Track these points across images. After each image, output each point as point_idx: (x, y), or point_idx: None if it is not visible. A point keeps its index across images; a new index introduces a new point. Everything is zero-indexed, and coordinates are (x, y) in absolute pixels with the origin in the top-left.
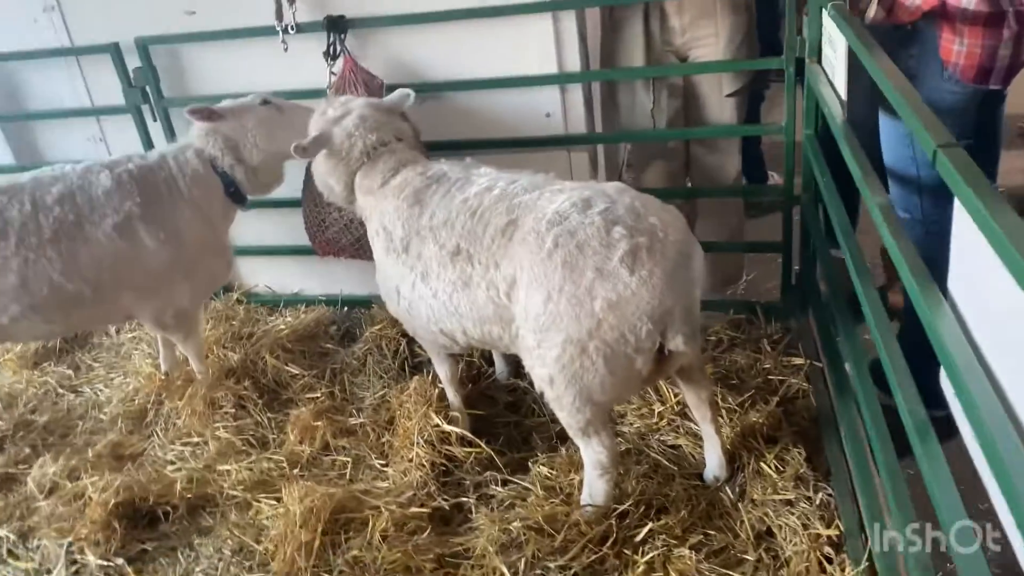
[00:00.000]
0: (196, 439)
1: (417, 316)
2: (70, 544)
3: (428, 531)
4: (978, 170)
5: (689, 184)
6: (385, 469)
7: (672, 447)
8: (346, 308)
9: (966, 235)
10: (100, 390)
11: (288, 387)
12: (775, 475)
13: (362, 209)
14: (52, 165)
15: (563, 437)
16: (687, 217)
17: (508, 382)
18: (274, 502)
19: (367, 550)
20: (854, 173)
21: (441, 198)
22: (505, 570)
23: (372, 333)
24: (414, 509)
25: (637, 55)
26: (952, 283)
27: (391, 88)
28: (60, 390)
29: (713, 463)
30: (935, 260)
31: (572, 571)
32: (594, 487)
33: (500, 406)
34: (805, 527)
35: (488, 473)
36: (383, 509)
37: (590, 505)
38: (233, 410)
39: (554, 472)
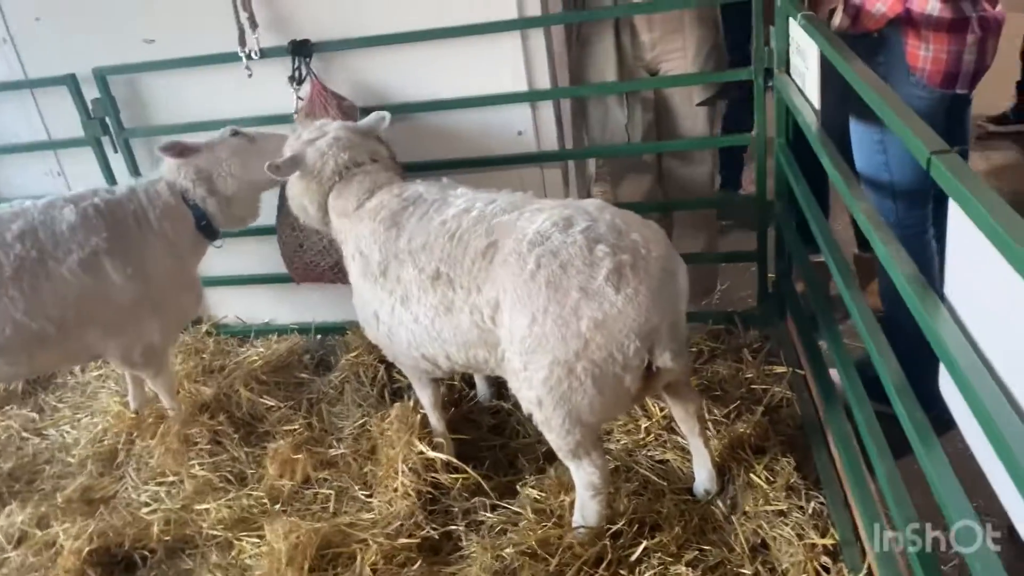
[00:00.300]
0: (171, 478)
1: (398, 342)
2: None
3: (419, 563)
4: (974, 173)
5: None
6: (370, 500)
7: (660, 462)
8: (319, 336)
9: (964, 239)
10: (67, 432)
11: (264, 420)
12: (766, 486)
13: (337, 232)
14: (11, 201)
15: (550, 458)
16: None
17: (491, 404)
18: (257, 540)
19: None
20: (835, 180)
21: (418, 220)
22: None
23: (348, 360)
24: (403, 540)
25: (609, 70)
26: (948, 287)
27: (364, 110)
28: (24, 434)
29: (703, 477)
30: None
31: None
32: (586, 508)
33: (484, 429)
34: (800, 537)
35: (476, 499)
36: (371, 542)
37: (583, 527)
38: (208, 446)
39: (544, 494)
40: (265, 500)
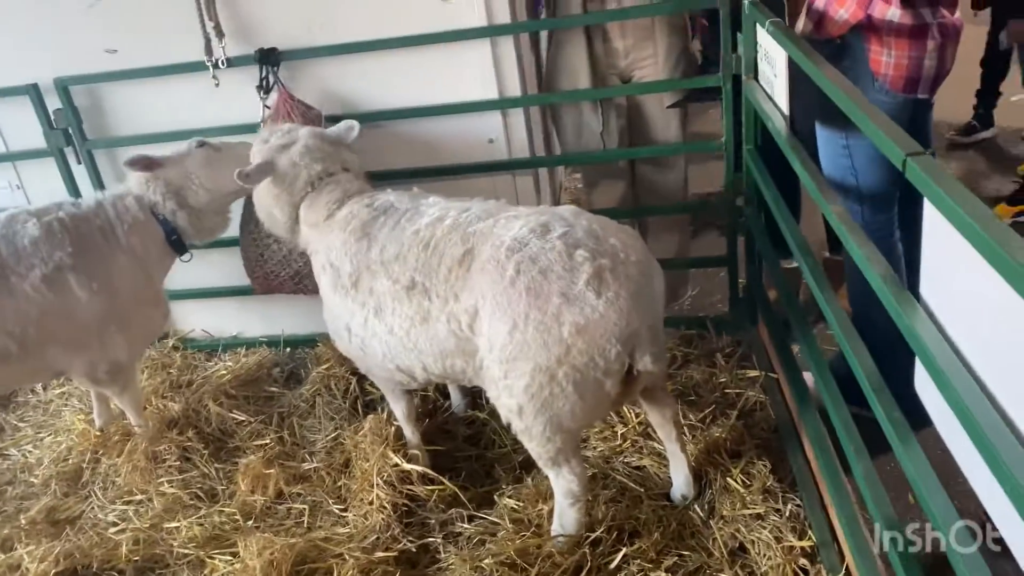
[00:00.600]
0: (139, 496)
1: (372, 354)
2: None
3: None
4: (949, 173)
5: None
6: (344, 514)
7: (637, 468)
8: (289, 349)
9: (939, 239)
10: (29, 451)
11: (234, 435)
12: (743, 489)
13: (307, 242)
14: None
15: (527, 467)
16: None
17: (466, 415)
18: (230, 557)
19: None
20: (807, 184)
21: (391, 230)
22: None
23: (319, 373)
24: (380, 554)
25: (582, 77)
26: (924, 286)
27: (330, 119)
28: None
29: (680, 482)
30: None
31: None
32: (565, 516)
33: (459, 440)
34: (778, 540)
35: (453, 510)
36: (347, 556)
37: (562, 535)
38: (177, 463)
39: (521, 504)
40: (237, 516)
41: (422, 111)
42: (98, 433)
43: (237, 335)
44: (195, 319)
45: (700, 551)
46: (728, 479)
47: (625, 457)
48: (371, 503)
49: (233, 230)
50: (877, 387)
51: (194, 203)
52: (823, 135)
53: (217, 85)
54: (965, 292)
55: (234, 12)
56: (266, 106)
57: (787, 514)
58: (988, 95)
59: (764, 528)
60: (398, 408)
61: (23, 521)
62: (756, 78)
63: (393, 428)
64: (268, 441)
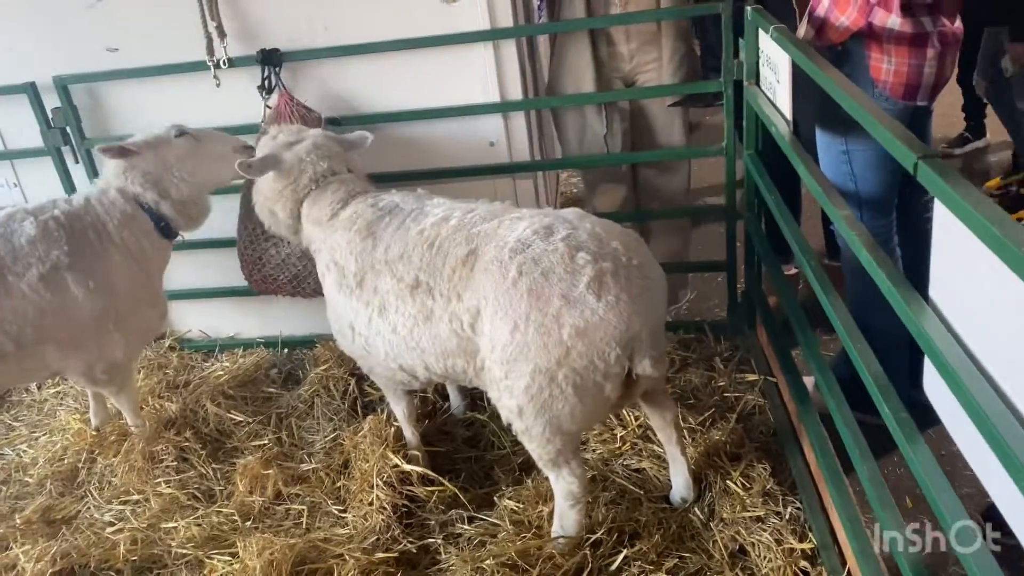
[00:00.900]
0: (136, 496)
1: (375, 353)
2: None
3: None
4: (960, 175)
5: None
6: (344, 515)
7: (636, 471)
8: (287, 350)
9: (950, 241)
10: (24, 451)
11: (232, 435)
12: (742, 492)
13: (309, 240)
14: None
15: (527, 469)
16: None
17: (465, 416)
18: (229, 558)
19: None
20: (813, 189)
21: (395, 230)
22: None
23: (317, 374)
24: (380, 555)
25: (587, 81)
26: (933, 288)
27: (331, 121)
28: None
29: (680, 485)
30: None
31: None
32: (565, 518)
33: (458, 441)
34: (779, 542)
35: (453, 511)
36: (347, 557)
37: (562, 536)
38: (175, 463)
39: (521, 505)
40: (236, 517)
41: (424, 113)
42: (94, 433)
43: (234, 336)
44: (192, 319)
45: (701, 553)
46: (728, 482)
47: (624, 459)
48: (371, 504)
49: (228, 231)
50: (884, 388)
51: (176, 196)
52: (823, 140)
53: (218, 85)
54: (978, 292)
55: (236, 12)
56: (267, 107)
57: (787, 516)
58: (973, 107)
59: (764, 530)
60: (398, 409)
61: (18, 521)
62: (758, 83)
63: (393, 429)
64: (266, 442)
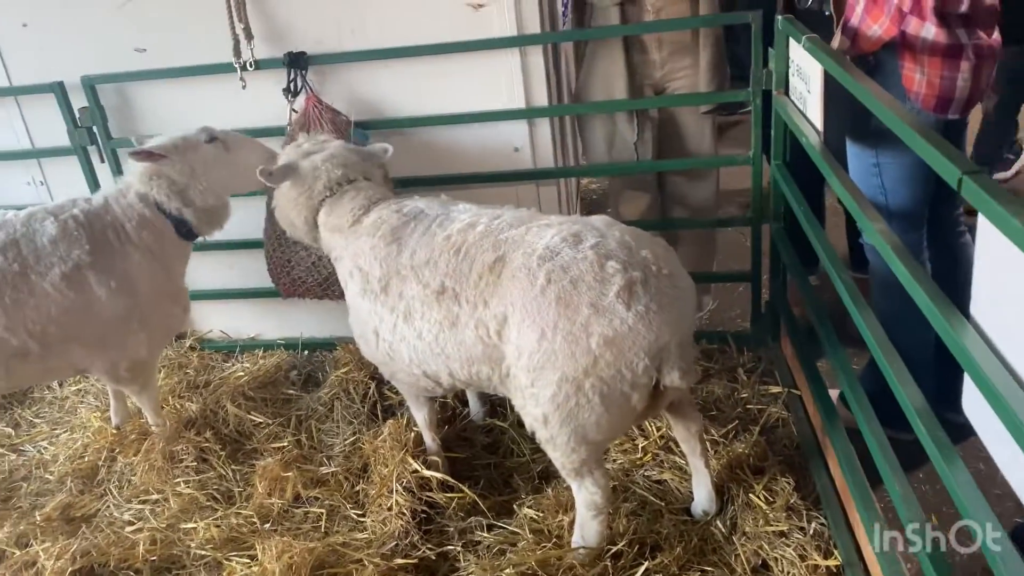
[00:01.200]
0: (155, 496)
1: (398, 359)
2: None
3: None
4: (1005, 191)
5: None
6: (363, 519)
7: (657, 482)
8: (307, 352)
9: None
10: (44, 448)
11: (252, 437)
12: (765, 506)
13: (329, 248)
14: None
15: (546, 477)
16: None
17: (484, 422)
18: (247, 560)
19: None
20: (846, 201)
21: (421, 236)
22: None
23: (337, 377)
24: (399, 560)
25: (619, 88)
26: (975, 305)
27: (358, 124)
28: (0, 450)
29: (702, 497)
30: None
31: None
32: (587, 528)
33: (478, 447)
34: (802, 558)
35: (472, 519)
36: (366, 562)
37: (583, 547)
38: (194, 463)
39: (541, 514)
40: (254, 519)
41: (450, 119)
42: (114, 431)
43: (255, 337)
44: (213, 320)
45: (723, 567)
46: (751, 495)
47: (646, 470)
48: (390, 509)
49: (251, 233)
50: (920, 407)
51: (200, 204)
52: (853, 151)
53: (244, 87)
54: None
55: (264, 14)
56: (293, 110)
57: (811, 532)
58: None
59: (788, 546)
60: (419, 415)
61: (39, 517)
62: (787, 93)
63: (412, 434)
64: (285, 444)
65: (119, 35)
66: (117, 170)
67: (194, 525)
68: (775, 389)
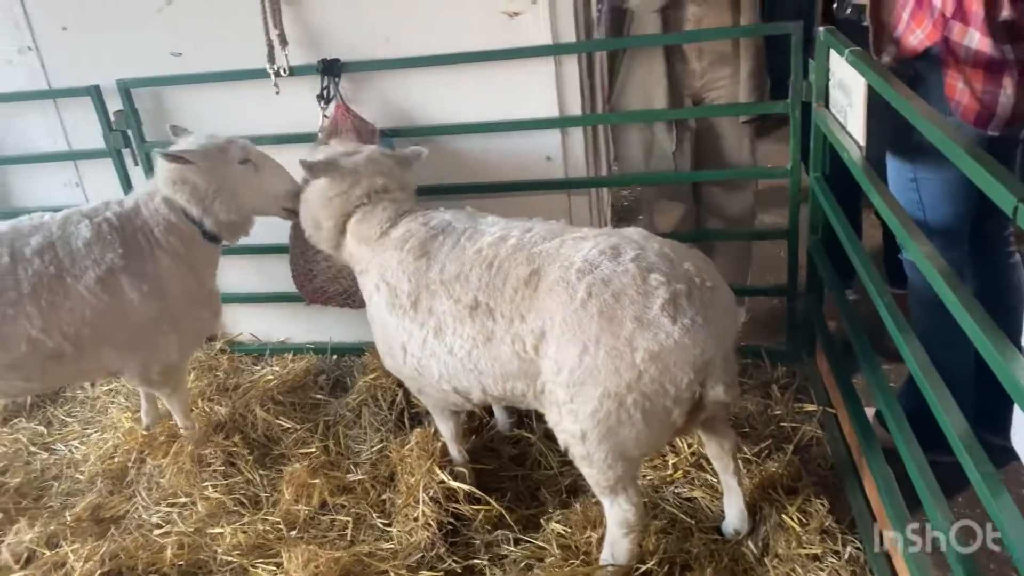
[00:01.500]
0: (183, 499)
1: (428, 374)
2: None
3: None
4: None
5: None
6: (389, 529)
7: (688, 500)
8: (335, 356)
9: None
10: (75, 447)
11: (280, 442)
12: (799, 528)
13: (354, 258)
14: (30, 213)
15: (574, 491)
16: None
17: (511, 433)
18: (273, 568)
19: None
20: (888, 220)
21: (450, 249)
22: None
23: (366, 382)
24: (425, 573)
25: (658, 97)
26: None
27: (388, 132)
28: (32, 448)
29: (733, 516)
30: None
31: None
32: (617, 546)
33: (505, 459)
34: None
35: (499, 532)
36: (392, 574)
37: (612, 565)
38: (222, 467)
39: (569, 530)
40: (281, 526)
41: (482, 127)
42: (144, 432)
43: (284, 340)
44: (243, 323)
45: None
46: (784, 516)
47: (676, 487)
48: (416, 519)
49: (281, 237)
50: (965, 437)
51: (222, 217)
52: (892, 165)
53: (278, 93)
54: None
55: (299, 21)
56: (325, 116)
57: (846, 557)
58: None
59: (822, 570)
60: (445, 428)
61: (68, 518)
62: (827, 105)
63: (440, 443)
64: (313, 449)
65: (156, 39)
66: (150, 173)
67: (221, 530)
68: (810, 407)
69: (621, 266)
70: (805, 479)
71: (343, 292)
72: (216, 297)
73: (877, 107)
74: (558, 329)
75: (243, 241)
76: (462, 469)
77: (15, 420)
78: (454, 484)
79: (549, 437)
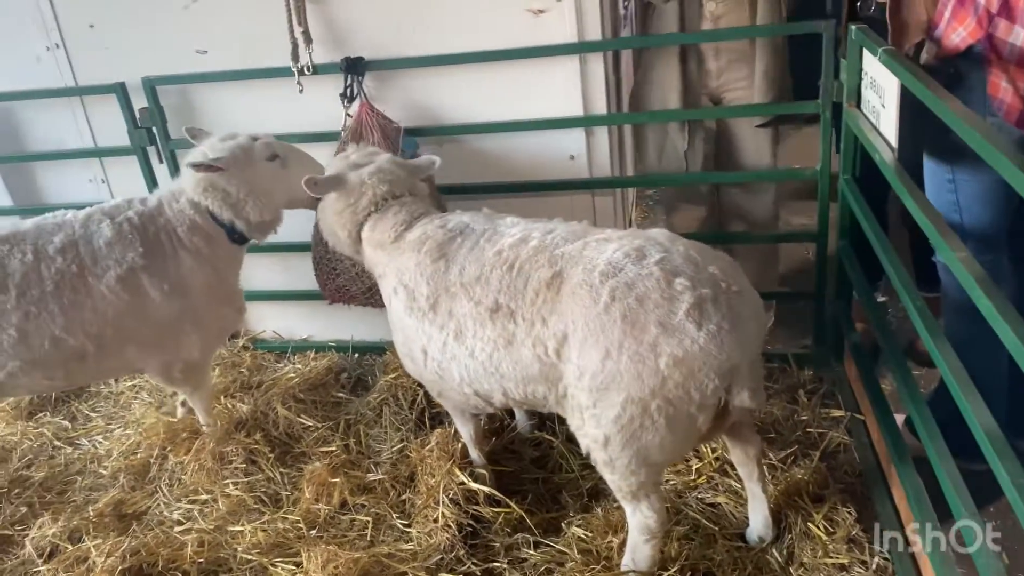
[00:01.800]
0: (204, 496)
1: (448, 378)
2: None
3: None
4: None
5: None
6: (408, 530)
7: (711, 505)
8: (357, 355)
9: None
10: (99, 442)
11: (301, 440)
12: (825, 537)
13: (372, 263)
14: (53, 211)
15: (595, 495)
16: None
17: (532, 435)
18: (293, 567)
19: None
20: (922, 224)
21: (469, 251)
22: None
23: (387, 381)
24: (444, 575)
25: (673, 97)
26: None
27: (412, 131)
28: (57, 443)
29: (758, 523)
30: None
31: None
32: (638, 552)
33: (525, 461)
34: None
35: (519, 535)
36: (411, 575)
37: (633, 571)
38: (243, 465)
39: (590, 534)
40: (301, 525)
41: (506, 126)
42: (172, 420)
43: (307, 338)
44: (266, 321)
45: None
46: (809, 524)
47: (699, 493)
48: (436, 521)
49: (304, 236)
50: (1000, 448)
51: (254, 218)
52: (929, 167)
53: (301, 91)
54: None
55: (324, 19)
56: (348, 114)
57: (873, 567)
58: None
59: None
60: (465, 430)
61: (91, 513)
62: (859, 106)
63: (460, 444)
64: (334, 448)
65: (182, 37)
66: (175, 171)
67: (241, 528)
68: (837, 413)
69: (645, 269)
70: (832, 486)
71: (365, 291)
72: (240, 295)
73: (913, 108)
74: (580, 333)
75: (270, 239)
76: (482, 471)
77: (40, 414)
78: (474, 486)
79: (571, 440)
